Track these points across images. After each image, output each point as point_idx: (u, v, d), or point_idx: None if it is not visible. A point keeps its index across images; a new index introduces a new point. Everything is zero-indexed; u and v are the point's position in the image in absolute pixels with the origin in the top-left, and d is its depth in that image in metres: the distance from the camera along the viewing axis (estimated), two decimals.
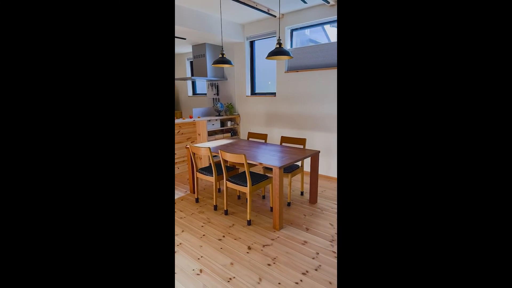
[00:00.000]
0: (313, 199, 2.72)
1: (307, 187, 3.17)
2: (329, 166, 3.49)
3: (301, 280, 1.60)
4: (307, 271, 1.68)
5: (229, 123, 4.44)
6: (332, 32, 3.63)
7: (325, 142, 3.48)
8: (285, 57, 2.35)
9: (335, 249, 1.92)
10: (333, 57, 3.26)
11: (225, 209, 2.50)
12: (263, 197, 2.90)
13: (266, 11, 3.28)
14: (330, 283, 1.57)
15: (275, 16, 3.52)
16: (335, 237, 2.07)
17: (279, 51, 2.25)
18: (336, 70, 3.21)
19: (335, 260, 1.79)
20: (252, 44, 4.20)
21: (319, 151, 2.61)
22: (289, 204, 2.68)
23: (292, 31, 3.68)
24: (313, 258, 1.81)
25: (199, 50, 4.26)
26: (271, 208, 2.59)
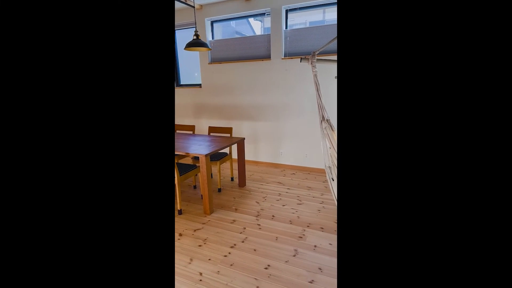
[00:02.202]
0: (242, 183, 2.94)
1: (236, 173, 3.37)
2: (256, 152, 3.78)
3: (229, 253, 1.78)
4: (235, 244, 1.87)
5: None
6: (256, 25, 3.85)
7: (251, 130, 3.73)
8: (204, 49, 2.43)
9: (259, 222, 2.17)
10: (256, 49, 3.48)
11: None
12: (194, 187, 2.96)
13: (184, 1, 3.24)
14: (255, 250, 1.80)
15: (193, 7, 3.51)
16: (260, 212, 2.33)
17: (196, 43, 2.30)
18: (259, 62, 3.46)
19: (259, 231, 2.03)
20: None
21: (244, 138, 2.81)
22: (219, 190, 2.83)
23: (212, 22, 3.74)
24: (240, 233, 2.01)
25: None
26: (202, 195, 2.69)
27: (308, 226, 2.10)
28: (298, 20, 3.39)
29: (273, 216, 2.27)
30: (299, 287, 1.47)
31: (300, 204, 2.49)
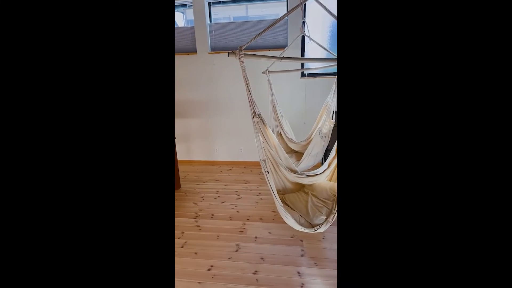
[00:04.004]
0: (176, 185, 2.77)
1: None
2: (188, 150, 3.61)
3: None
4: None
5: None
6: (178, 17, 3.59)
7: (181, 128, 3.54)
8: None
9: (199, 223, 2.09)
10: (180, 42, 3.26)
11: None
12: None
13: None
14: (196, 253, 1.73)
15: None
16: (199, 213, 2.25)
17: None
18: (185, 56, 3.26)
19: (199, 233, 1.96)
20: None
21: (174, 138, 2.64)
22: None
23: None
24: (178, 238, 1.90)
25: None
26: None
27: (248, 219, 2.14)
28: (222, 14, 3.35)
29: (212, 215, 2.22)
30: (243, 281, 1.48)
31: (239, 198, 2.52)
